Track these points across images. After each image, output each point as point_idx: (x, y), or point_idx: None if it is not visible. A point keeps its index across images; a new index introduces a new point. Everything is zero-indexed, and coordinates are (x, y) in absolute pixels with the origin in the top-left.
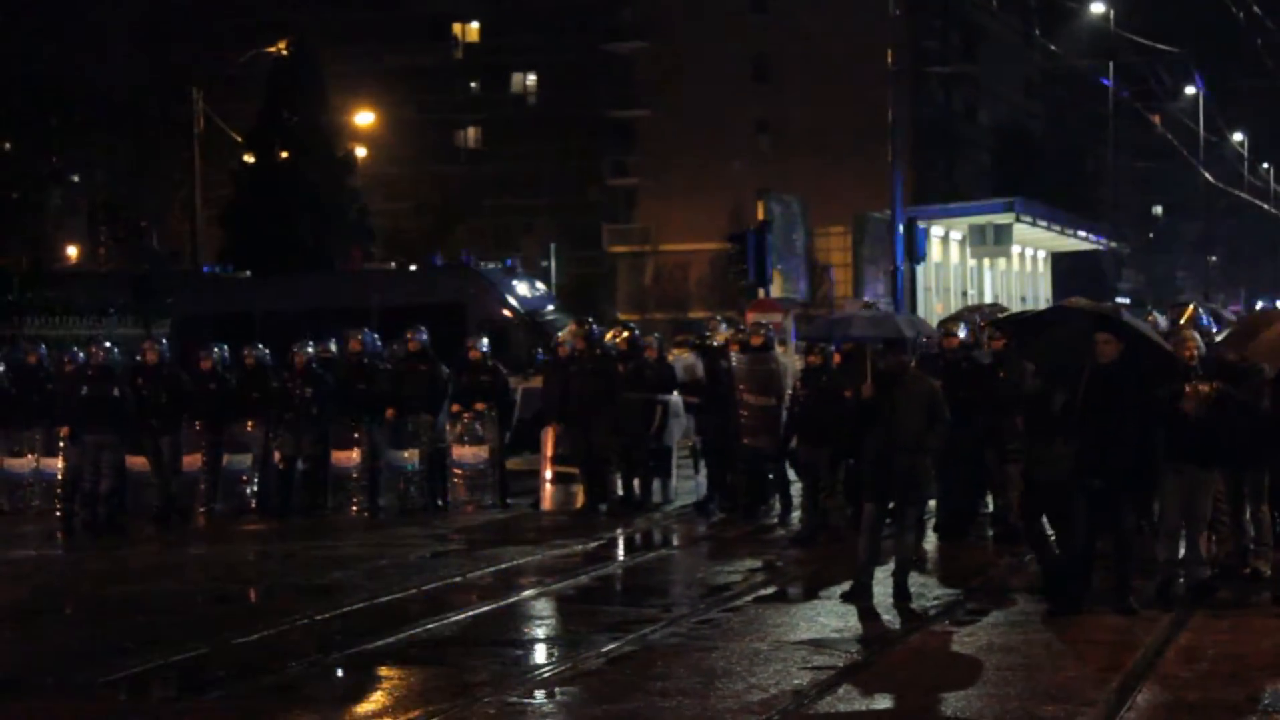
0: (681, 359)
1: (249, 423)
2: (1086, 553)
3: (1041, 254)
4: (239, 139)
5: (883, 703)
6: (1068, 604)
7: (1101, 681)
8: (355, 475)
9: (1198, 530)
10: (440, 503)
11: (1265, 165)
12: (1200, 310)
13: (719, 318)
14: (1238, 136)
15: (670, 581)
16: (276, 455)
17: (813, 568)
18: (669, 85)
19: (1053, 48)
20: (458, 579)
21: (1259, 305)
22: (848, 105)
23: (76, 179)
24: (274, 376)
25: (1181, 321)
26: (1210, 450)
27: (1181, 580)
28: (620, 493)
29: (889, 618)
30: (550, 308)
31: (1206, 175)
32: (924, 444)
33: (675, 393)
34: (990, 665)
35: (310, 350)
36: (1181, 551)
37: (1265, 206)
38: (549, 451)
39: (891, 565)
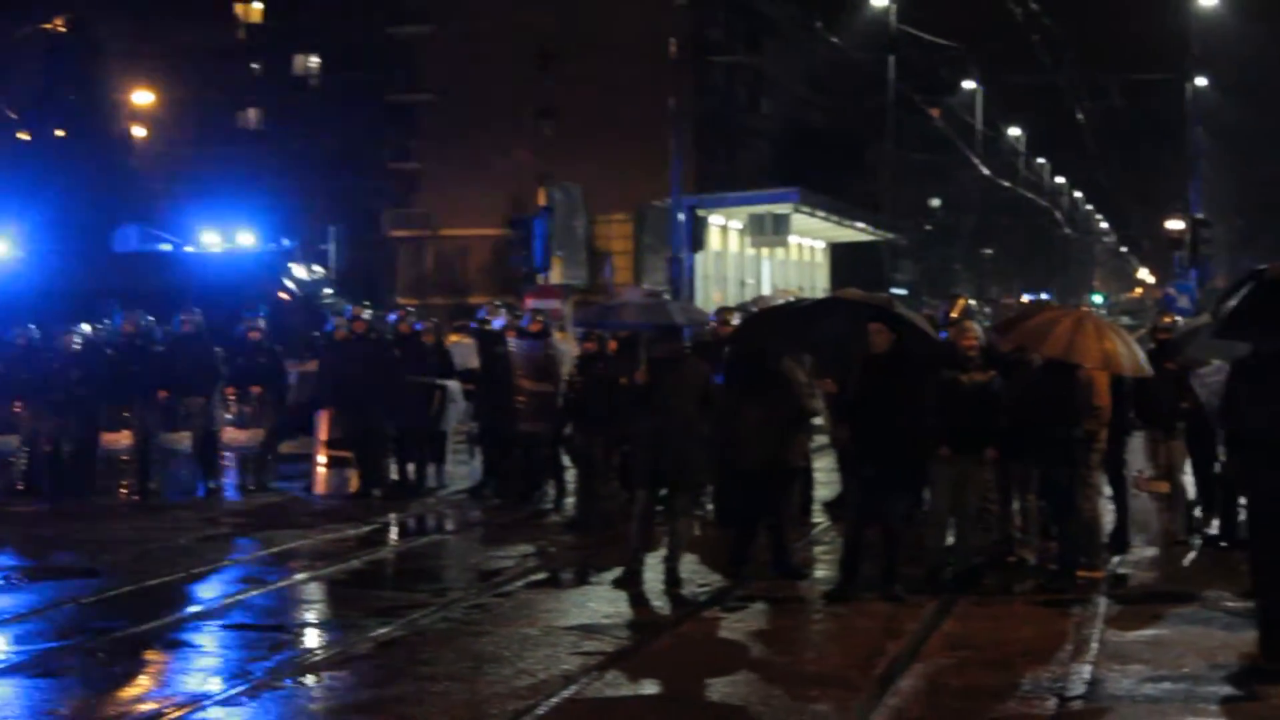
0: (460, 344)
1: (15, 404)
2: (858, 540)
3: (820, 244)
4: (14, 115)
5: (650, 688)
6: (841, 591)
7: (867, 667)
8: (125, 457)
9: (966, 518)
10: (212, 485)
11: (1041, 160)
12: (971, 302)
13: (497, 303)
14: (1014, 131)
15: (443, 566)
16: (44, 437)
17: (585, 553)
18: (453, 70)
19: (834, 40)
20: (227, 562)
21: (1024, 298)
22: (631, 94)
23: None
24: (43, 357)
25: (954, 314)
26: (980, 439)
27: (949, 568)
28: (395, 477)
29: (660, 604)
30: (328, 291)
31: (983, 169)
32: (697, 431)
33: (453, 378)
34: (758, 651)
35: (81, 331)
36: (950, 539)
37: (1040, 201)
38: (323, 435)
39: (663, 551)
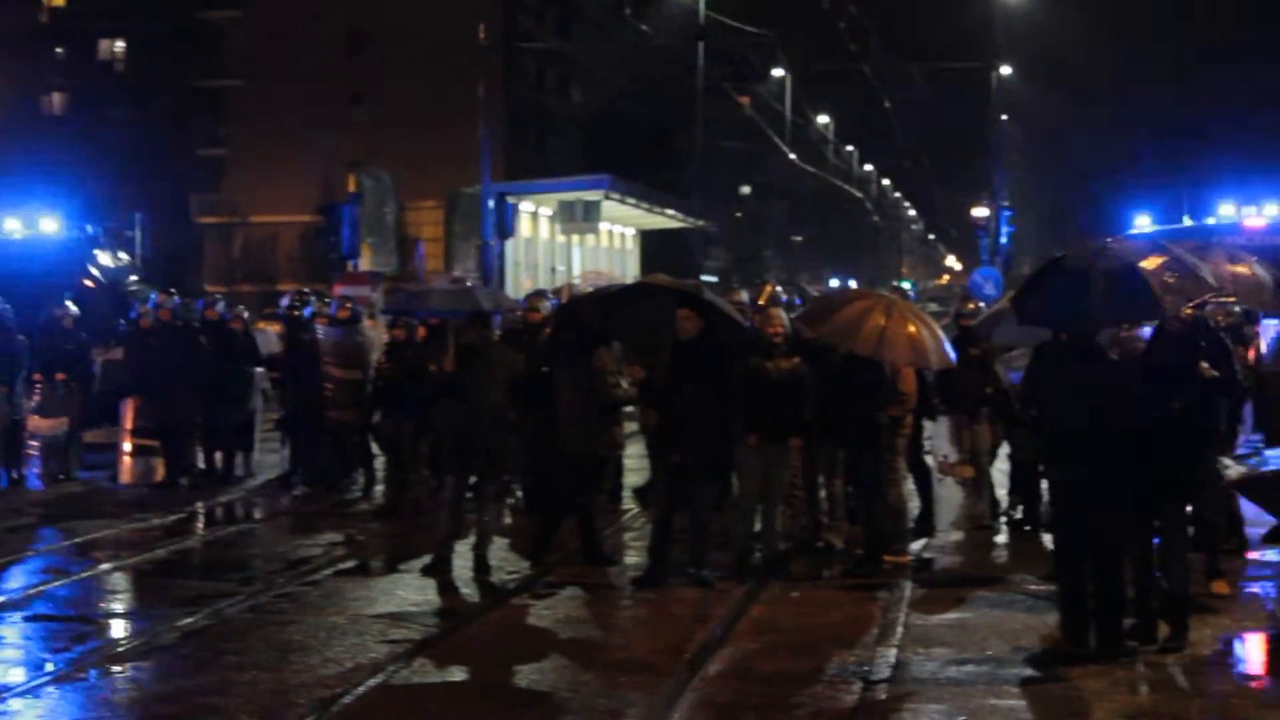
0: (267, 331)
1: None
2: (667, 527)
3: (631, 231)
4: None
5: (458, 675)
6: (649, 577)
7: (675, 653)
8: None
9: (774, 504)
10: (15, 475)
11: (850, 148)
12: (779, 288)
13: (306, 290)
14: (823, 119)
15: (250, 555)
16: None
17: (394, 541)
18: (262, 55)
19: (644, 27)
20: (30, 553)
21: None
22: (442, 80)
23: None
24: None
25: (761, 300)
26: (787, 425)
27: (757, 554)
28: (202, 465)
29: (469, 591)
30: (134, 278)
31: (792, 156)
32: (505, 418)
33: (259, 365)
34: (566, 638)
35: None
36: (757, 525)
37: (848, 188)
38: (129, 424)
39: (472, 539)
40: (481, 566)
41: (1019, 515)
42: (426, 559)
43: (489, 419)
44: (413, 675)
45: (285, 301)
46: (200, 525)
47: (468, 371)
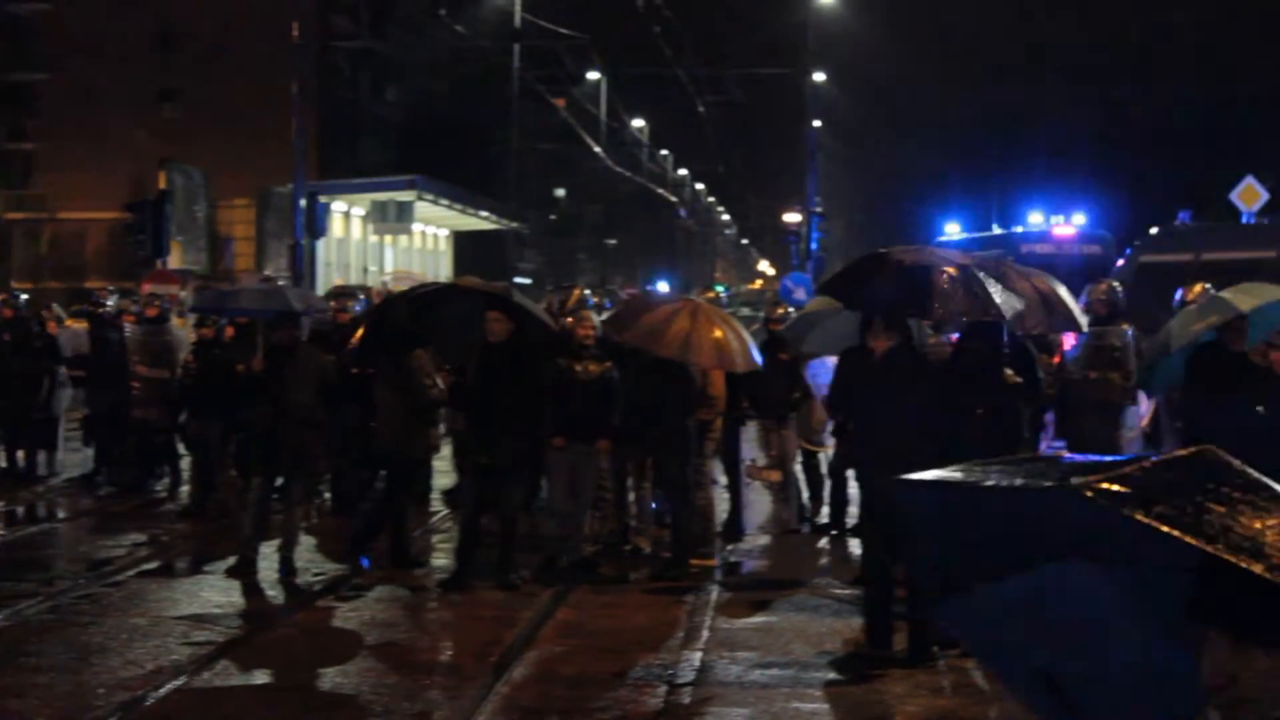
0: (70, 329)
1: None
2: (474, 529)
3: (444, 232)
4: None
5: (262, 678)
6: (456, 580)
7: (481, 656)
8: None
9: (582, 507)
10: None
11: (664, 152)
12: (588, 291)
13: (110, 288)
14: (638, 123)
15: (52, 556)
16: None
17: (199, 542)
18: (71, 49)
19: (459, 28)
20: None
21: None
22: (254, 77)
23: None
24: None
25: (570, 303)
26: (594, 428)
27: (565, 557)
28: (3, 464)
29: (274, 593)
30: None
31: (607, 160)
32: (314, 418)
33: (61, 364)
34: (372, 641)
35: None
36: (565, 528)
37: (662, 192)
38: None
39: (279, 540)
40: (287, 568)
41: (824, 519)
42: (232, 560)
43: (297, 420)
44: (215, 678)
45: (95, 298)
46: (0, 525)
47: (276, 371)
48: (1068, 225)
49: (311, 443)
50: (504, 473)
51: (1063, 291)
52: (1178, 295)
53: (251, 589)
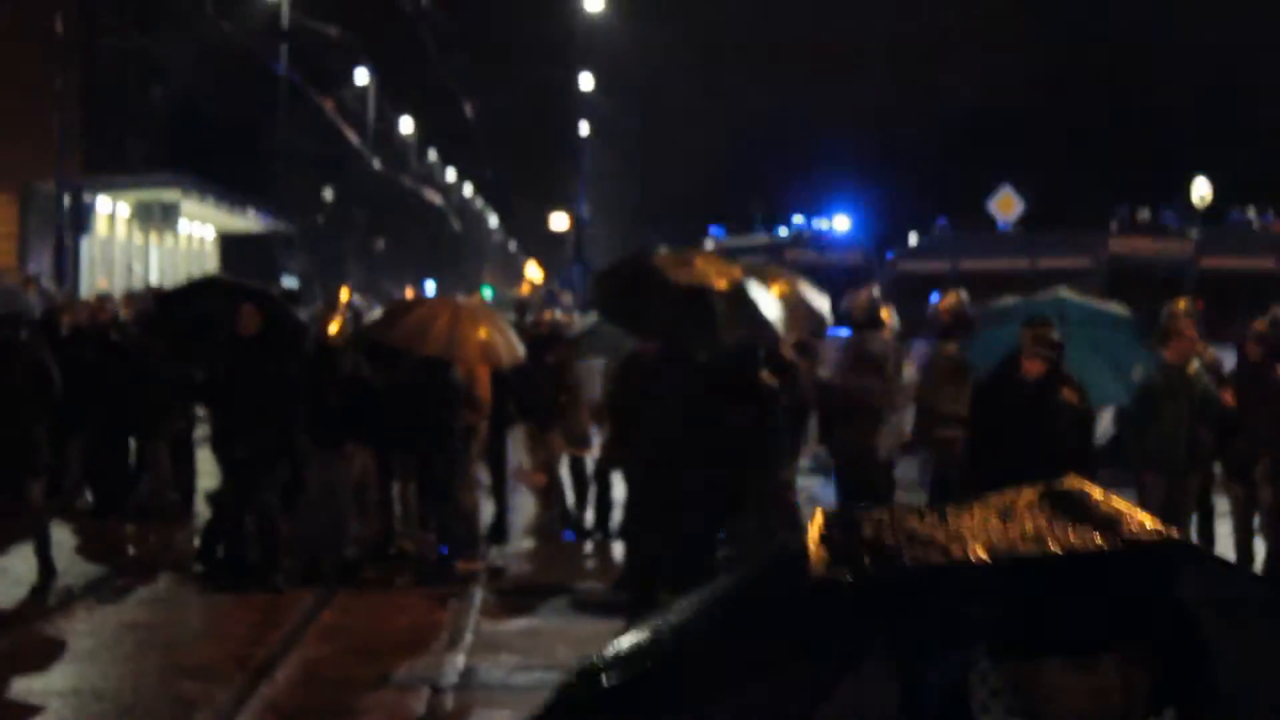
0: None
1: None
2: (235, 528)
3: (210, 234)
4: None
5: (18, 678)
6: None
7: (243, 658)
8: None
9: (343, 508)
10: None
11: (433, 154)
12: (356, 295)
13: None
14: (406, 124)
15: None
16: None
17: None
18: None
19: (226, 26)
20: None
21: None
22: (15, 71)
23: None
24: None
25: (343, 301)
26: (349, 430)
27: (328, 558)
28: None
29: (28, 596)
30: None
31: (375, 162)
32: (31, 416)
33: None
34: (132, 643)
35: None
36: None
37: (428, 195)
38: None
39: (31, 543)
40: (48, 570)
41: (591, 524)
42: None
43: (9, 418)
44: None
45: None
46: None
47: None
48: (831, 230)
49: (33, 442)
50: (259, 468)
51: (811, 294)
52: (933, 299)
53: (8, 589)
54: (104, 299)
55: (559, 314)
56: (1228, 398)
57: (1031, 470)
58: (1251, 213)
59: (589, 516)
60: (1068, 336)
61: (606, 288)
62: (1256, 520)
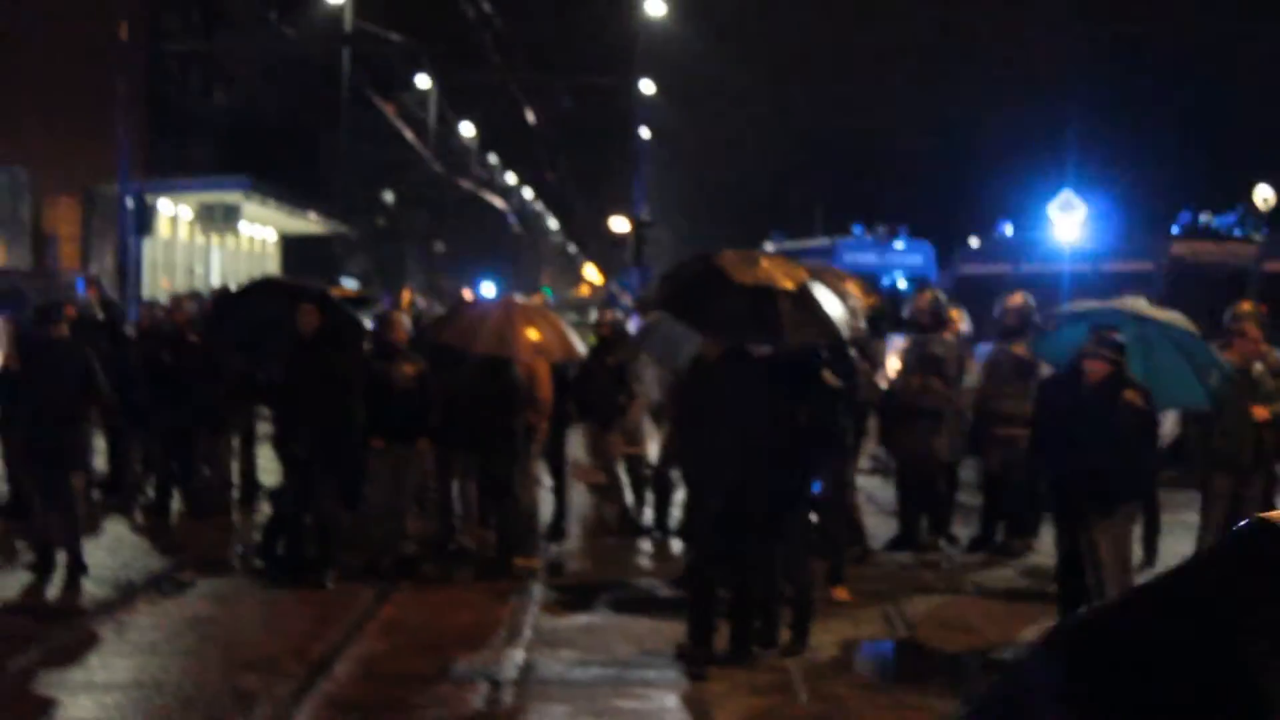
0: None
1: None
2: (296, 525)
3: (272, 236)
4: None
5: (77, 673)
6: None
7: (302, 653)
8: None
9: (403, 506)
10: None
11: (493, 158)
12: (419, 296)
13: None
14: (467, 128)
15: None
16: None
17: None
18: None
19: (289, 32)
20: None
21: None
22: (80, 75)
23: None
24: None
25: (404, 305)
26: (413, 429)
27: (387, 556)
28: None
29: (93, 588)
30: None
31: (435, 165)
32: (73, 410)
33: None
34: (193, 637)
35: None
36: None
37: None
38: None
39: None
40: (76, 563)
41: (652, 521)
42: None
43: (56, 416)
44: (28, 669)
45: None
46: None
47: (33, 367)
48: (891, 235)
49: (79, 436)
50: (321, 469)
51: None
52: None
53: (64, 584)
54: (179, 299)
55: (619, 315)
56: None
57: (1091, 471)
58: None
59: (647, 514)
60: (1148, 338)
61: (672, 286)
62: None
